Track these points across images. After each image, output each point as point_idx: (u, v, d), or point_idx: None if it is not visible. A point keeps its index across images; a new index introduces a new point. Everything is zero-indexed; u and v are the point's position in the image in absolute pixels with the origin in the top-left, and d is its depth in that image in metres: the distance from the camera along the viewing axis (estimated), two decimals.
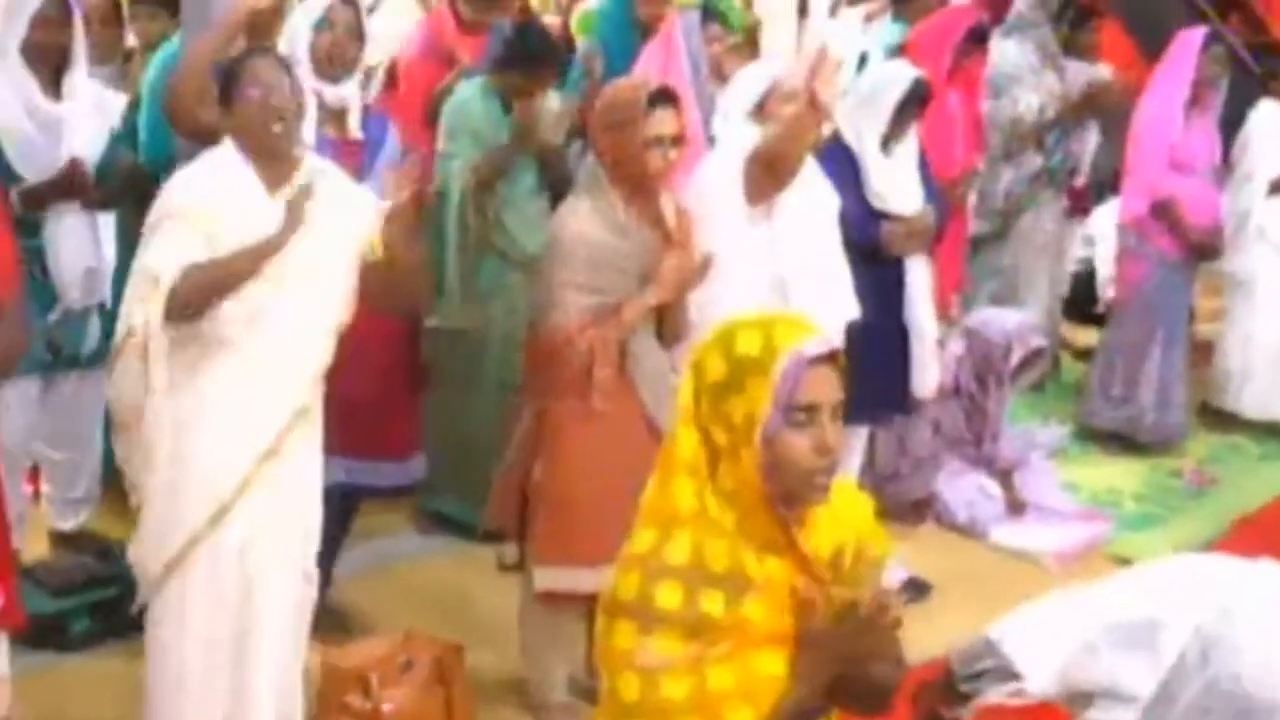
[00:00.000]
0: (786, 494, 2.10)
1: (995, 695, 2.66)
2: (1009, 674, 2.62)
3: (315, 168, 3.52)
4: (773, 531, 2.11)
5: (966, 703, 2.71)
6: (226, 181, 3.40)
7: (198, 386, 3.34)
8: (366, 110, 4.38)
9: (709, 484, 2.10)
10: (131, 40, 5.58)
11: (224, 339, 3.34)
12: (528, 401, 3.91)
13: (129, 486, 3.48)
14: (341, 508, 4.29)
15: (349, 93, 4.30)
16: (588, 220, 3.74)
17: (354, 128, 4.30)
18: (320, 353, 3.45)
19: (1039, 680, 2.60)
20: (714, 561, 2.08)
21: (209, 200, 3.36)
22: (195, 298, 3.28)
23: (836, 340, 2.14)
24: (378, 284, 3.50)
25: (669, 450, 2.14)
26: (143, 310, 3.29)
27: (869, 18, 7.05)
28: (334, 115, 4.27)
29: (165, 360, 3.30)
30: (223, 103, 3.45)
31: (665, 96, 3.76)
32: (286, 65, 3.51)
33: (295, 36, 4.20)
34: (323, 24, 4.20)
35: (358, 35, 4.27)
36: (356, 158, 4.21)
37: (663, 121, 3.71)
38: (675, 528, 2.11)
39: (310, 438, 3.49)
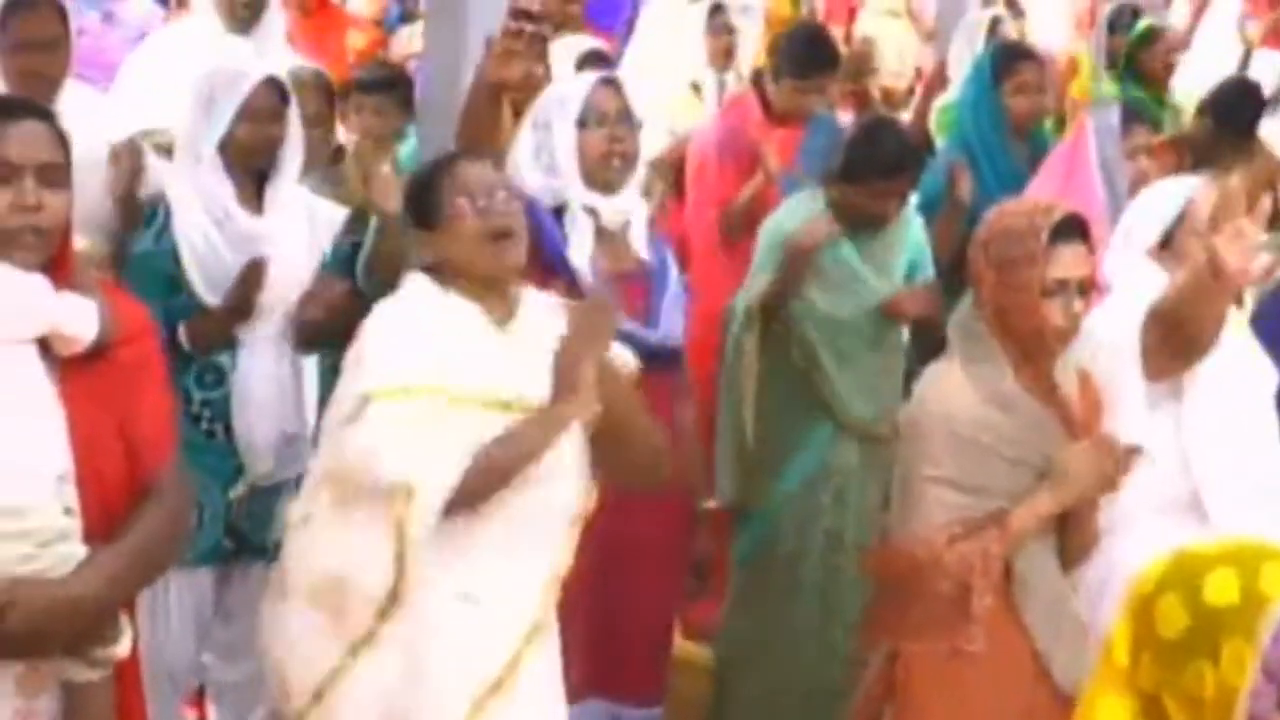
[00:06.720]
0: None
1: None
2: None
3: (536, 299, 3.57)
4: None
5: None
6: (447, 327, 3.40)
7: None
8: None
9: None
10: (341, 135, 5.73)
11: (443, 544, 3.32)
12: (875, 639, 3.79)
13: None
14: None
15: (632, 205, 4.28)
16: (960, 392, 3.65)
17: (639, 250, 4.30)
18: (559, 551, 3.46)
19: None
20: None
21: (434, 360, 3.34)
22: (481, 492, 3.32)
23: None
24: (609, 452, 3.54)
25: None
26: (389, 535, 3.27)
27: None
28: (608, 238, 4.23)
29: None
30: (421, 222, 3.50)
31: (1074, 228, 3.63)
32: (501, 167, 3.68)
33: (555, 138, 4.21)
34: (587, 116, 4.17)
35: (633, 125, 4.25)
36: (643, 293, 4.21)
37: (1070, 261, 3.60)
38: None
39: (546, 671, 3.47)
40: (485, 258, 3.43)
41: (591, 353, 3.41)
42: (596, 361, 3.47)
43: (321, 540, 3.39)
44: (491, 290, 3.46)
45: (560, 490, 3.46)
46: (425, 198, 3.50)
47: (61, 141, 2.86)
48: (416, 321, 3.42)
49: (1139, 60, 7.14)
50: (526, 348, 3.46)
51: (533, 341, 3.47)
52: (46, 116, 2.89)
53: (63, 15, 4.53)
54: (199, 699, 4.78)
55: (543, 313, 3.54)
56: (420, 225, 3.51)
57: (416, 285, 3.48)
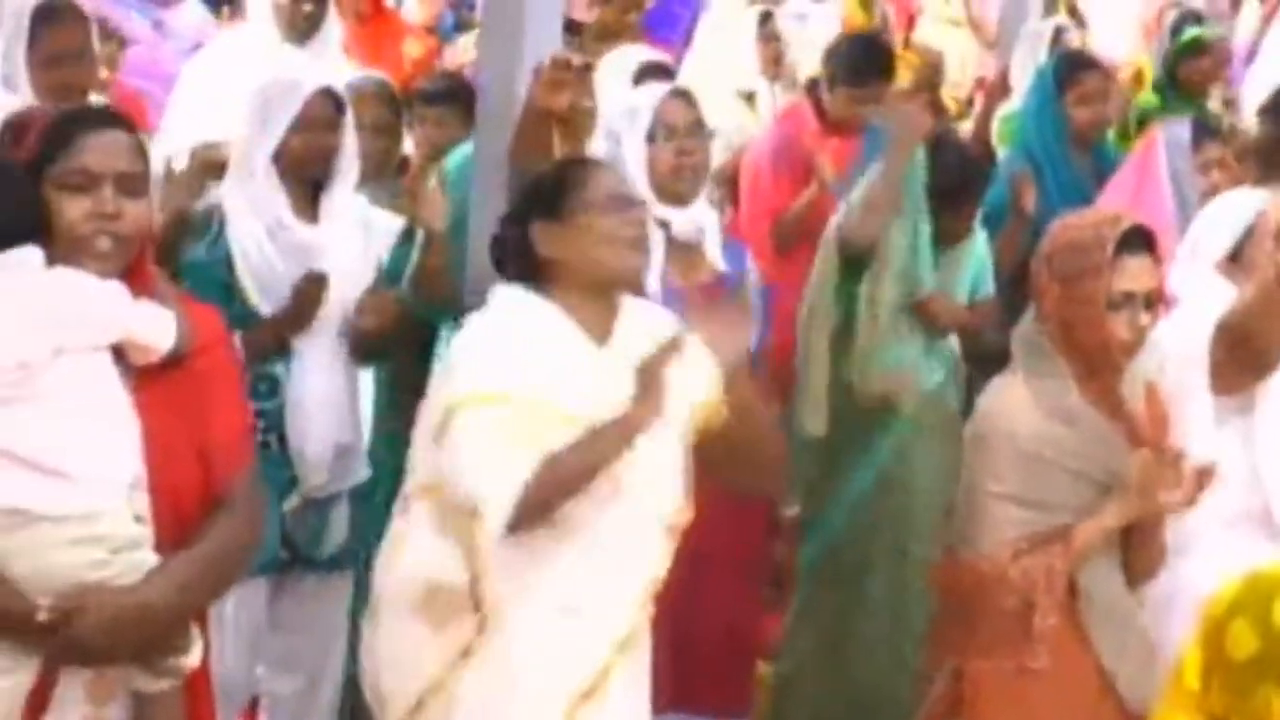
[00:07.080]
0: None
1: None
2: None
3: (639, 311, 3.51)
4: None
5: None
6: (544, 336, 3.36)
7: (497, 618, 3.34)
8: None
9: None
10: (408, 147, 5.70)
11: (539, 555, 3.30)
12: (940, 656, 3.78)
13: None
14: None
15: (704, 216, 4.30)
16: (1022, 405, 3.63)
17: (715, 262, 4.30)
18: (654, 564, 3.43)
19: None
20: None
21: (527, 368, 3.29)
22: (550, 502, 3.25)
23: None
24: (722, 458, 3.50)
25: None
26: (459, 552, 3.27)
27: None
28: (681, 251, 4.24)
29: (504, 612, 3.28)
30: (548, 214, 3.40)
31: (1140, 239, 3.62)
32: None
33: (625, 151, 4.23)
34: (656, 129, 4.19)
35: (704, 136, 4.29)
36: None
37: (1136, 273, 3.59)
38: None
39: (635, 682, 3.45)
40: (614, 257, 3.39)
41: (669, 361, 3.34)
42: (727, 367, 3.45)
43: (419, 554, 3.39)
44: (594, 301, 3.42)
45: (656, 499, 3.43)
46: (558, 190, 3.43)
47: (141, 151, 2.86)
48: (510, 331, 3.39)
49: (1178, 71, 7.07)
50: (622, 365, 3.40)
51: (631, 358, 3.41)
52: (125, 126, 2.88)
53: (88, 27, 4.57)
54: (252, 711, 4.77)
55: (644, 326, 3.49)
56: (546, 217, 3.40)
57: (511, 295, 3.44)
